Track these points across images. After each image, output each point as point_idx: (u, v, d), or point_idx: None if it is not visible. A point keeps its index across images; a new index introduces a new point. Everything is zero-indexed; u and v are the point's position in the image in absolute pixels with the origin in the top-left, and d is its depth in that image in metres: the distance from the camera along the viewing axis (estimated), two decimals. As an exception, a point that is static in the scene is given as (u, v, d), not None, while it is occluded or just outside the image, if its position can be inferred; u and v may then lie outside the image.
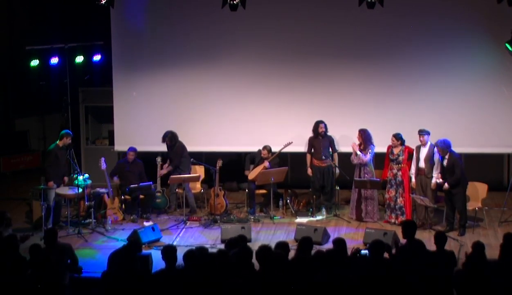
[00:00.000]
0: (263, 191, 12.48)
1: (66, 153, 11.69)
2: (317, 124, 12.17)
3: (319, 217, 12.12)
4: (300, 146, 12.82)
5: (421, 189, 11.33)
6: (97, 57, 14.47)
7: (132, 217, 12.16)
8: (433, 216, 11.48)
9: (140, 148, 12.72)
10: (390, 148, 11.63)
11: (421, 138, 11.26)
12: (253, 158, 12.49)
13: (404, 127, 12.18)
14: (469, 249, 8.54)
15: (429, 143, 11.29)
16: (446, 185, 11.01)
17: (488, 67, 12.44)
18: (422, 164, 11.28)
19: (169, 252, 7.52)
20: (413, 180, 11.41)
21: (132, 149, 12.37)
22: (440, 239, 8.19)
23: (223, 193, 12.33)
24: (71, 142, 11.75)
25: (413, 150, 11.44)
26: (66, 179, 11.82)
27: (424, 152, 11.29)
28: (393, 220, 11.64)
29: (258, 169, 12.23)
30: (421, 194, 11.28)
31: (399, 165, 11.50)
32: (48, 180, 11.57)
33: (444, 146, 10.99)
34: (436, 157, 11.18)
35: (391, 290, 7.11)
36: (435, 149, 11.19)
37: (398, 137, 11.53)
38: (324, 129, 12.14)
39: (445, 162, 11.05)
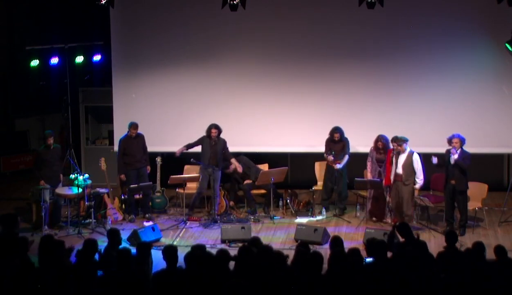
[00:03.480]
0: (263, 191, 12.49)
1: (55, 153, 11.70)
2: (333, 132, 12.13)
3: (319, 217, 12.13)
4: (300, 147, 12.86)
5: (397, 195, 11.24)
6: (97, 57, 14.46)
7: (130, 217, 12.16)
8: (428, 215, 11.51)
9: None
10: (391, 152, 11.52)
11: (401, 147, 11.19)
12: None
13: (404, 127, 12.23)
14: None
15: (408, 149, 11.24)
16: (456, 156, 10.89)
17: (488, 67, 12.45)
18: (399, 170, 11.21)
19: (170, 252, 7.52)
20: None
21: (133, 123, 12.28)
22: (451, 236, 8.18)
23: (223, 193, 12.33)
24: (52, 142, 11.71)
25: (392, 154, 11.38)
26: (61, 176, 11.84)
27: (402, 158, 11.22)
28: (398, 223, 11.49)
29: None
30: (395, 199, 11.23)
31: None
32: (39, 180, 11.59)
33: (463, 138, 10.99)
34: (418, 165, 11.14)
35: (393, 290, 7.11)
36: (414, 157, 11.15)
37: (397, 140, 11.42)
38: (339, 138, 12.12)
39: (455, 157, 10.95)
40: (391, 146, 11.52)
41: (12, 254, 7.98)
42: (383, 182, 11.54)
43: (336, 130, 12.13)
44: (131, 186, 11.99)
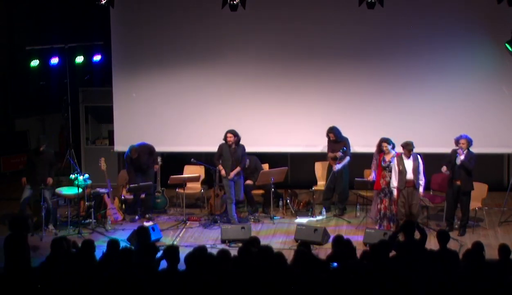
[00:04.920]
0: (262, 191, 12.48)
1: (45, 158, 11.57)
2: (327, 133, 12.12)
3: (319, 217, 12.11)
4: (300, 147, 12.86)
5: (406, 201, 10.84)
6: (97, 57, 14.45)
7: (131, 217, 12.17)
8: (428, 215, 11.50)
9: (140, 148, 12.72)
10: (382, 155, 11.27)
11: (406, 151, 10.85)
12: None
13: (404, 127, 12.26)
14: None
15: (412, 154, 10.95)
16: (462, 157, 10.82)
17: (488, 67, 12.45)
18: (410, 176, 10.84)
19: (171, 252, 7.54)
20: (395, 193, 10.96)
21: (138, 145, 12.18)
22: (443, 236, 8.17)
23: (223, 193, 12.33)
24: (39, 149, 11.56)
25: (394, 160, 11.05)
26: (50, 180, 11.66)
27: (410, 163, 10.86)
28: (392, 229, 11.00)
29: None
30: (405, 207, 10.83)
31: (391, 173, 11.05)
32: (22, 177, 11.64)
33: (470, 140, 10.93)
34: (421, 167, 10.88)
35: (393, 290, 7.11)
36: (419, 160, 10.89)
37: (389, 142, 11.21)
38: (334, 138, 12.07)
39: (461, 158, 10.89)
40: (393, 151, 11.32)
41: (19, 255, 8.01)
42: (375, 185, 11.35)
43: (331, 130, 12.09)
44: (131, 185, 11.98)
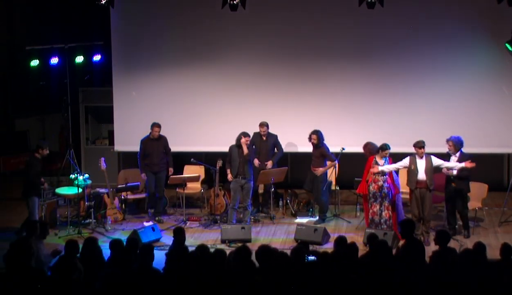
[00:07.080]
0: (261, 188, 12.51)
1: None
2: (311, 134, 11.82)
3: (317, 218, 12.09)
4: (300, 146, 12.85)
5: (419, 202, 10.72)
6: (97, 57, 14.45)
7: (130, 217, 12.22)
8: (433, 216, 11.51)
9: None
10: (373, 159, 11.01)
11: (421, 150, 10.69)
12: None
13: (404, 127, 12.24)
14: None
15: (424, 154, 10.80)
16: (461, 164, 10.63)
17: (488, 67, 12.46)
18: (422, 176, 10.69)
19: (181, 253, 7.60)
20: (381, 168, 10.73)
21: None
22: (443, 236, 8.15)
23: (223, 193, 12.33)
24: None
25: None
26: (43, 180, 11.52)
27: (422, 163, 10.71)
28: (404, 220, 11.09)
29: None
30: (419, 208, 10.71)
31: (384, 177, 10.85)
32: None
33: (458, 142, 10.80)
34: (438, 160, 10.72)
35: (393, 291, 7.11)
36: (433, 158, 10.73)
37: (385, 147, 10.98)
38: (315, 141, 11.78)
39: (454, 159, 10.83)
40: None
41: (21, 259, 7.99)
42: (358, 188, 11.19)
43: (315, 132, 11.70)
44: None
